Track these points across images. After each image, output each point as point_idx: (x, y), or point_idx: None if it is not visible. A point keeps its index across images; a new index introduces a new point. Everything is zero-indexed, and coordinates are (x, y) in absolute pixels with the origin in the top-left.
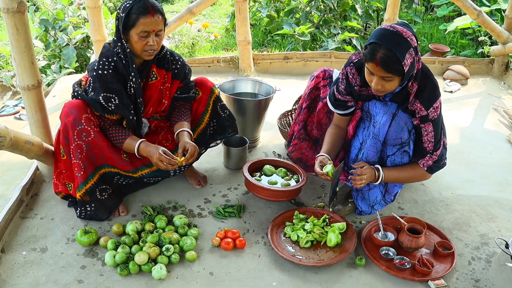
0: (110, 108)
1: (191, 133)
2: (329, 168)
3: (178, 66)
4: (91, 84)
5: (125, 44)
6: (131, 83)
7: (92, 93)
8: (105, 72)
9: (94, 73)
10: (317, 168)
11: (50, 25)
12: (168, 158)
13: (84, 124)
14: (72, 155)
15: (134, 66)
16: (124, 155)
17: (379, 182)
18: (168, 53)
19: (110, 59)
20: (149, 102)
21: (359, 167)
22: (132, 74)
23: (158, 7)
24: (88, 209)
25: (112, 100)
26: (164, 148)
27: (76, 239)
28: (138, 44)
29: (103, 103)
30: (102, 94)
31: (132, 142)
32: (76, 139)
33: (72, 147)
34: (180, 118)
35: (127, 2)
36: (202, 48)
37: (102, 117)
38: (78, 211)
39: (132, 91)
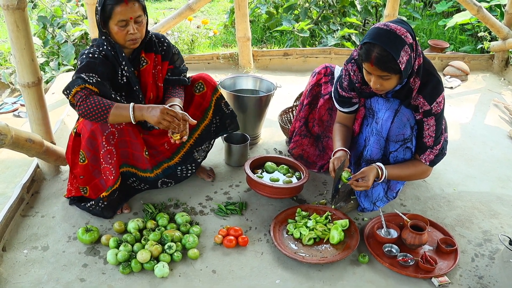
0: (90, 81)
1: (182, 107)
2: (345, 175)
3: (165, 47)
4: (78, 67)
5: (108, 37)
6: (124, 71)
7: (76, 74)
8: (95, 58)
9: (84, 56)
10: (335, 162)
11: (48, 22)
12: (172, 116)
13: (110, 127)
14: (102, 160)
15: (123, 54)
16: (146, 153)
17: (382, 180)
18: (153, 36)
19: (101, 48)
20: (147, 88)
21: (360, 178)
22: (123, 62)
23: None
24: (100, 205)
25: (93, 77)
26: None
27: (78, 237)
28: (119, 35)
29: (84, 77)
30: (85, 73)
31: (123, 106)
32: (105, 145)
33: (102, 152)
34: (172, 95)
35: None
36: (201, 44)
37: (84, 91)
38: (90, 203)
39: (125, 80)
